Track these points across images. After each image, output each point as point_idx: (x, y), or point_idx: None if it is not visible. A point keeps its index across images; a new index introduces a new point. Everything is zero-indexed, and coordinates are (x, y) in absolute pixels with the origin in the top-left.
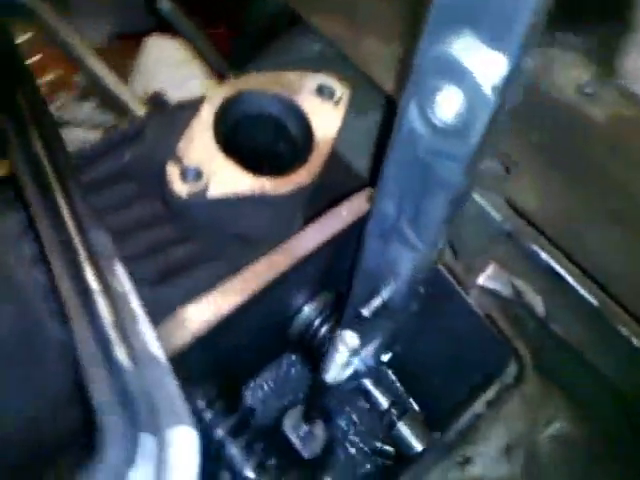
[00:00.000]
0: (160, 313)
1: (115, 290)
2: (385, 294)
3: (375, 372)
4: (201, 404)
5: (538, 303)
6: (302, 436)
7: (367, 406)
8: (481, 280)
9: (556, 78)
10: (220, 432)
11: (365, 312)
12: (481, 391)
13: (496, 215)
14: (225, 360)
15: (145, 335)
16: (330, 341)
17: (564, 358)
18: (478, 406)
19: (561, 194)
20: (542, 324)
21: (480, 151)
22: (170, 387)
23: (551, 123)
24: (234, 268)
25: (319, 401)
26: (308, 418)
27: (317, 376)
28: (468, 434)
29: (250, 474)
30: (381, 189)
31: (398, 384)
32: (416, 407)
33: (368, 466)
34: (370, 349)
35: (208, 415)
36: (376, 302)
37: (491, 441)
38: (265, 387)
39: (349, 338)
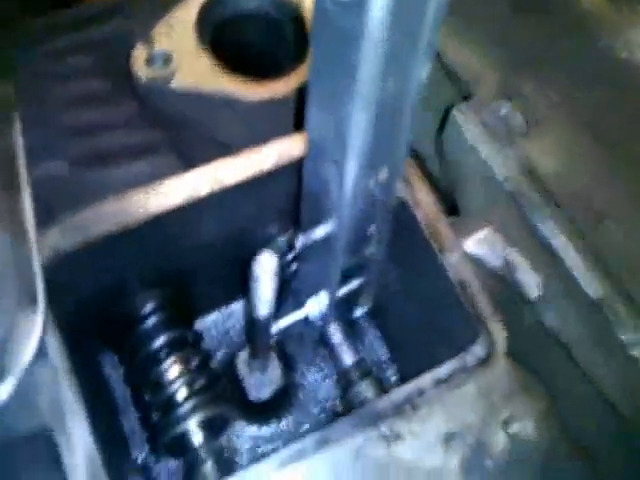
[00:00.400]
0: (94, 195)
1: None
2: (327, 226)
3: (337, 324)
4: (148, 308)
5: (531, 283)
6: (253, 378)
7: (329, 359)
8: (469, 244)
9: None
10: (158, 342)
11: (302, 240)
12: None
13: (503, 174)
14: (174, 270)
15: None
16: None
17: (547, 351)
18: (423, 381)
19: (586, 165)
20: (530, 308)
21: (389, 33)
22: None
23: (605, 85)
24: (189, 166)
25: (259, 341)
26: (257, 360)
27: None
28: (405, 409)
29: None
30: (310, 98)
31: (381, 346)
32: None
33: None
34: (325, 295)
35: (150, 322)
36: (315, 232)
37: (430, 424)
38: (220, 321)
39: (266, 260)
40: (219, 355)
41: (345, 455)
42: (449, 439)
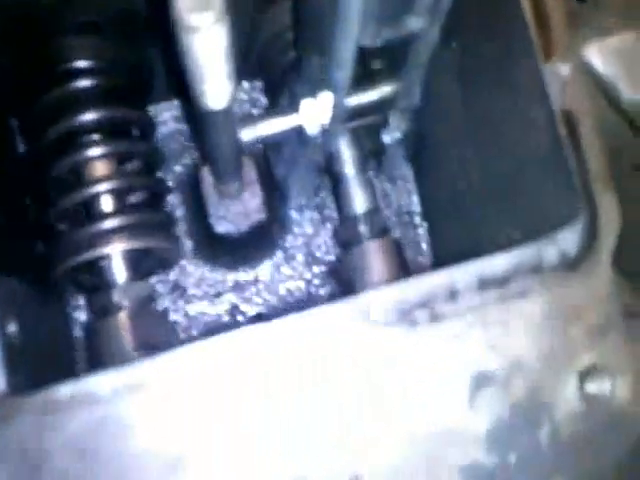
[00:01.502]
0: None
1: None
2: None
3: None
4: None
5: None
6: (220, 204)
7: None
8: (594, 51)
9: None
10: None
11: None
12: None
13: None
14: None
15: None
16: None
17: None
18: (461, 273)
19: None
20: None
21: None
22: None
23: None
24: None
25: (218, 152)
26: (227, 181)
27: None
28: (417, 316)
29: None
30: None
31: (412, 195)
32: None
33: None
34: (329, 96)
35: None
36: None
37: (453, 353)
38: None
39: None
40: (177, 164)
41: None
42: (480, 385)
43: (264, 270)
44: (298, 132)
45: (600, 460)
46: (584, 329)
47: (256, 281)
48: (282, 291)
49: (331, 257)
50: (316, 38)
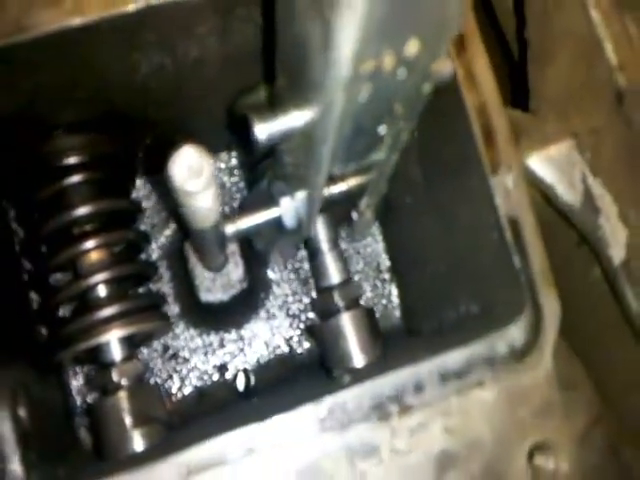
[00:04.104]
0: None
1: None
2: (307, 112)
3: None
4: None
5: (618, 234)
6: (206, 275)
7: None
8: (536, 160)
9: None
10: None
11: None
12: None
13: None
14: (110, 107)
15: None
16: None
17: (616, 338)
18: (425, 368)
19: None
20: (608, 274)
21: None
22: None
23: None
24: None
25: (207, 251)
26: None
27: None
28: (389, 410)
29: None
30: None
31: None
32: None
33: (289, 345)
34: (303, 195)
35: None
36: (292, 117)
37: (422, 438)
38: None
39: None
40: (161, 235)
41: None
42: (446, 463)
43: (247, 330)
44: (277, 222)
45: None
46: (530, 411)
47: (240, 339)
48: (265, 348)
49: (309, 315)
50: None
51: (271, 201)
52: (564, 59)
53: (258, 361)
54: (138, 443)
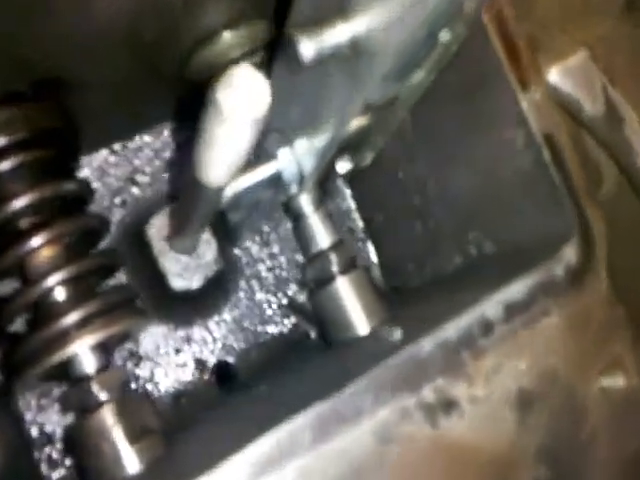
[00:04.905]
0: None
1: None
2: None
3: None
4: None
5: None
6: (174, 260)
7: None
8: (554, 74)
9: None
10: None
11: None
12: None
13: None
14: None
15: None
16: None
17: None
18: (489, 308)
19: None
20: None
21: None
22: None
23: None
24: None
25: (196, 217)
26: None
27: None
28: (461, 357)
29: None
30: None
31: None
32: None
33: (276, 321)
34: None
35: None
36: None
37: (498, 382)
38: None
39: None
40: (117, 220)
41: (362, 448)
42: (526, 403)
43: (223, 316)
44: (275, 179)
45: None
46: (595, 332)
47: (217, 328)
48: (243, 335)
49: (289, 291)
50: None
51: (264, 156)
52: None
53: (240, 349)
54: (136, 460)
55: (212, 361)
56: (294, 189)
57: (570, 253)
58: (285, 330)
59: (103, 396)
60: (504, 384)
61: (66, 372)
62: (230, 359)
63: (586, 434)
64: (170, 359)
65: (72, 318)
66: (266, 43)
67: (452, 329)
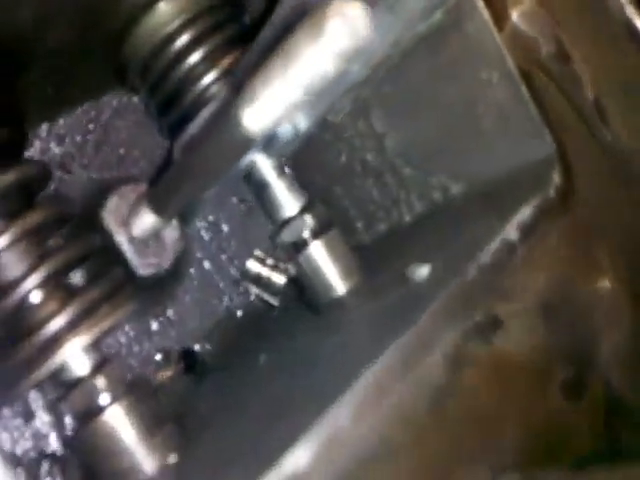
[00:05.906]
0: None
1: None
2: None
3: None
4: None
5: (584, 75)
6: (136, 243)
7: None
8: (515, 17)
9: None
10: None
11: None
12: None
13: None
14: None
15: None
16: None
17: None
18: (509, 231)
19: None
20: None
21: None
22: None
23: None
24: None
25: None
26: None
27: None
28: (497, 279)
29: None
30: None
31: None
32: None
33: (233, 298)
34: None
35: None
36: None
37: (526, 296)
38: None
39: None
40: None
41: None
42: (548, 312)
43: (186, 299)
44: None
45: None
46: (582, 243)
47: (177, 314)
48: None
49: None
50: None
51: None
52: None
53: (203, 332)
54: (155, 459)
55: (176, 349)
56: (286, 149)
57: (556, 177)
58: (246, 305)
59: (107, 396)
60: (532, 297)
61: (59, 378)
62: (194, 345)
63: (595, 328)
64: (133, 345)
65: (58, 323)
66: (204, 12)
67: (486, 254)
